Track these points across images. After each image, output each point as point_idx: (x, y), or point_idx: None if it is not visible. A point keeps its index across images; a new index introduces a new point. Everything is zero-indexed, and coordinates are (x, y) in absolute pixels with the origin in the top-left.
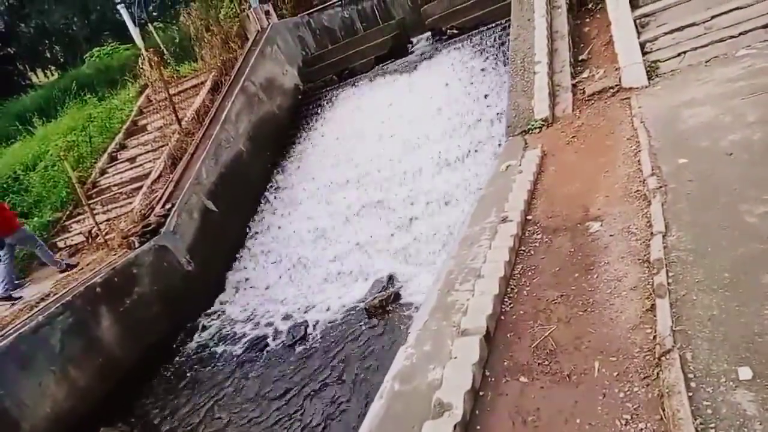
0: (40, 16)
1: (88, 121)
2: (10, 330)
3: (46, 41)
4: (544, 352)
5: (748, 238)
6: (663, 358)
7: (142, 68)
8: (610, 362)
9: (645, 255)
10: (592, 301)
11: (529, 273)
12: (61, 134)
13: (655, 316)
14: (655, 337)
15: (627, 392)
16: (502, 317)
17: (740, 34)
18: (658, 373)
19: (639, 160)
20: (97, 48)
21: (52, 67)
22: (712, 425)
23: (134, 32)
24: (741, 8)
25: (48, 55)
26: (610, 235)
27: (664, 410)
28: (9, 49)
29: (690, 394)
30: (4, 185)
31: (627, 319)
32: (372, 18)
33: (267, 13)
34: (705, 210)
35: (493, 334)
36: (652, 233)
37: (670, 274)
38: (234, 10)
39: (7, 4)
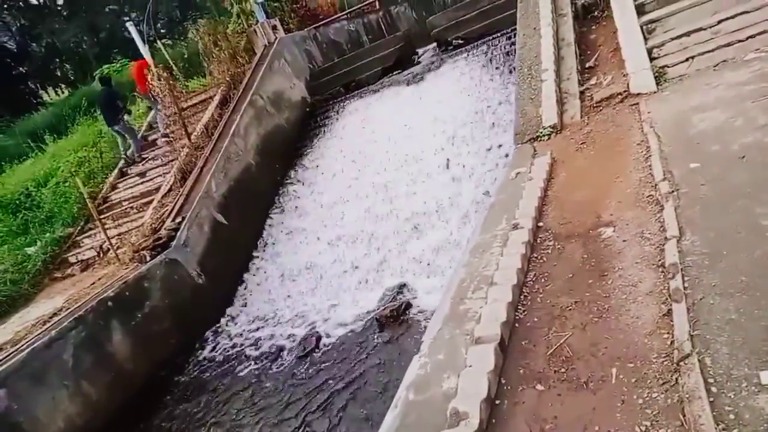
0: (50, 35)
1: (99, 138)
2: (23, 345)
3: (57, 60)
4: (560, 359)
5: (764, 241)
6: (682, 364)
7: (151, 84)
8: (627, 368)
9: (659, 260)
10: (608, 307)
11: (542, 280)
12: (72, 151)
13: (671, 321)
14: (672, 342)
15: (646, 398)
16: (516, 325)
17: (748, 37)
18: (677, 379)
19: (650, 165)
20: (107, 65)
21: (63, 85)
22: (735, 431)
23: (143, 49)
24: (748, 12)
25: (59, 73)
26: (624, 241)
27: (684, 416)
28: (21, 69)
29: (711, 399)
30: (17, 201)
31: (643, 325)
32: (378, 30)
33: (274, 27)
34: (719, 214)
35: (507, 342)
36: (666, 238)
37: (685, 278)
38: (241, 25)
39: (18, 24)
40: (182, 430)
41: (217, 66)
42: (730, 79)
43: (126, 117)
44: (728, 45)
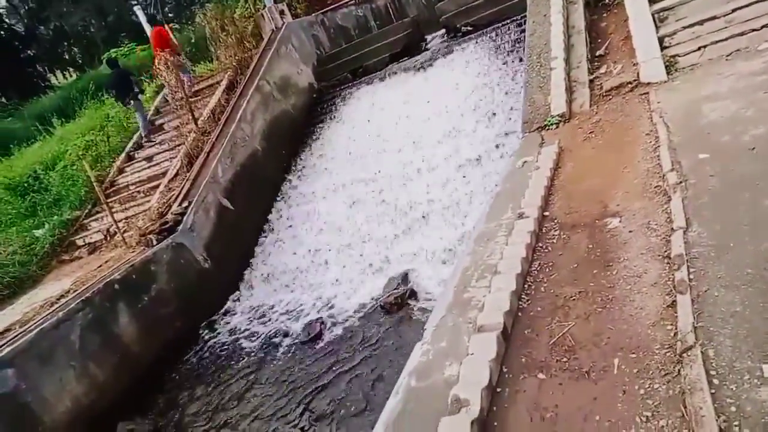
0: (58, 18)
1: (106, 121)
2: (31, 325)
3: (65, 43)
4: (563, 348)
5: None
6: (684, 355)
7: (158, 68)
8: (630, 359)
9: (665, 251)
10: (612, 297)
11: (547, 269)
12: (80, 134)
13: (675, 312)
14: (676, 333)
15: (647, 389)
16: (520, 314)
17: (762, 27)
18: (679, 370)
19: (658, 156)
20: (114, 49)
21: (71, 69)
22: (736, 423)
23: (150, 33)
24: (762, 1)
25: (66, 56)
26: (630, 231)
27: (685, 407)
28: (29, 52)
29: (713, 391)
30: (25, 184)
31: (647, 316)
32: (386, 16)
33: (281, 12)
34: (727, 205)
35: (510, 330)
36: (672, 229)
37: (691, 270)
38: (249, 9)
39: (26, 7)
40: (186, 411)
41: (224, 51)
42: (742, 68)
43: (140, 96)
44: (742, 34)
